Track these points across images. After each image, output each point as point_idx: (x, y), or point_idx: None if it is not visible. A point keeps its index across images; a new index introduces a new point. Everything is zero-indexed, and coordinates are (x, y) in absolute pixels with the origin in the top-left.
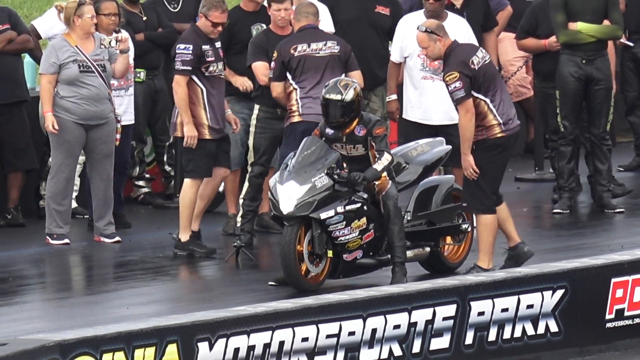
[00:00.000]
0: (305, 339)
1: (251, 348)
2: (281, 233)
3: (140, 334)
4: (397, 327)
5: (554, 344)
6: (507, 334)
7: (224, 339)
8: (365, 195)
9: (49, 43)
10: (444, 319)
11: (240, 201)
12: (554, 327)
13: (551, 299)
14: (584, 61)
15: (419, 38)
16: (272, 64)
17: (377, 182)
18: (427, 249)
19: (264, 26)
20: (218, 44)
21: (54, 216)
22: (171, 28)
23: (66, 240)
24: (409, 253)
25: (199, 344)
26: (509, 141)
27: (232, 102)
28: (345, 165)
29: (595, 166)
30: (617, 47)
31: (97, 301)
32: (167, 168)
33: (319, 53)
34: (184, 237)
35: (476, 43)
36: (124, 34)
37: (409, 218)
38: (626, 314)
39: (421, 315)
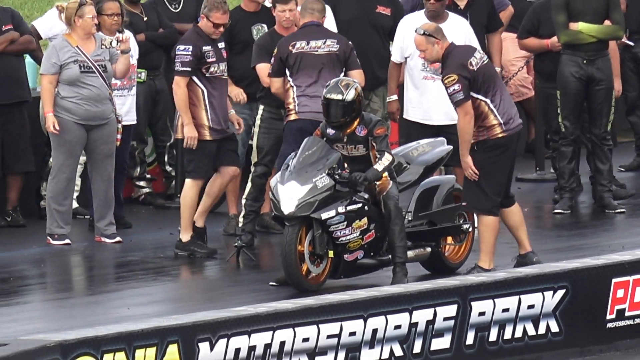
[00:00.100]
0: (306, 339)
1: (252, 348)
2: (282, 233)
3: (141, 334)
4: (398, 327)
5: (555, 344)
6: (508, 334)
7: (225, 339)
8: (366, 196)
9: (49, 43)
10: (445, 319)
11: (243, 201)
12: (554, 328)
13: (552, 299)
14: (584, 61)
15: (417, 41)
16: (272, 59)
17: (378, 183)
18: (428, 249)
19: (265, 26)
20: (221, 45)
21: (55, 216)
22: (172, 28)
23: (67, 241)
24: (410, 253)
25: (200, 344)
26: (510, 141)
27: (232, 103)
28: (346, 165)
29: (596, 166)
30: (618, 48)
31: (98, 301)
32: (168, 168)
33: (317, 51)
34: (185, 237)
35: (477, 43)
36: (127, 34)
37: (409, 218)
38: (627, 314)
39: (422, 316)
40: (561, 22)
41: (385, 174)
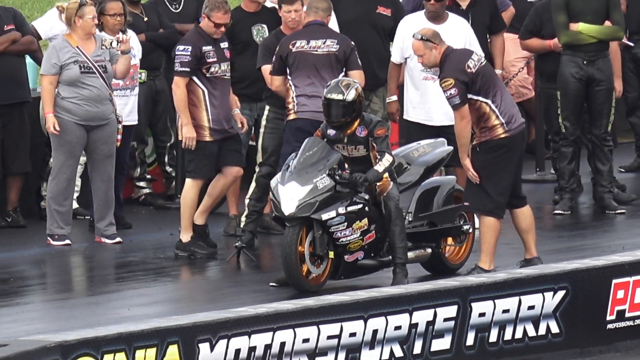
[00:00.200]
0: (306, 340)
1: (252, 349)
2: (282, 234)
3: (141, 334)
4: (398, 328)
5: (555, 345)
6: (508, 335)
7: (225, 340)
8: (366, 196)
9: (50, 44)
10: (445, 320)
11: (246, 201)
12: (555, 328)
13: (552, 300)
14: (585, 62)
15: (415, 46)
16: (274, 57)
17: (378, 183)
18: (429, 250)
19: (265, 27)
20: (224, 44)
21: (55, 217)
22: (172, 29)
23: (67, 241)
24: (410, 254)
25: (200, 345)
26: (513, 141)
27: None
28: (346, 166)
29: (596, 167)
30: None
31: (98, 302)
32: (168, 169)
33: (316, 51)
34: (185, 238)
35: (477, 44)
36: (130, 34)
37: (410, 219)
38: (627, 315)
39: (422, 316)
40: (561, 22)
41: (386, 174)
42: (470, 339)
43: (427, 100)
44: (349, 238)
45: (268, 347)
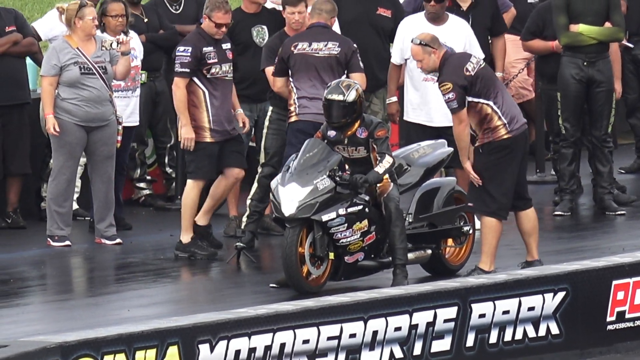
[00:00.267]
0: (306, 341)
1: (252, 350)
2: (282, 235)
3: (141, 335)
4: (398, 329)
5: (555, 346)
6: (508, 336)
7: (225, 341)
8: (366, 198)
9: (50, 45)
10: (445, 321)
11: (248, 201)
12: (555, 330)
13: (552, 301)
14: (585, 63)
15: (414, 51)
16: (276, 58)
17: (378, 185)
18: (429, 251)
19: (265, 28)
20: (226, 45)
21: (55, 218)
22: (172, 30)
23: (67, 242)
24: (411, 255)
25: (200, 346)
26: (516, 142)
27: None
28: (347, 167)
29: (596, 168)
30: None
31: (98, 303)
32: (168, 170)
33: (318, 53)
34: (186, 238)
35: (478, 46)
36: (132, 35)
37: (410, 220)
38: (627, 316)
39: (422, 318)
40: (562, 23)
41: (386, 176)
42: (470, 340)
43: (427, 101)
44: (349, 239)
45: (268, 348)
